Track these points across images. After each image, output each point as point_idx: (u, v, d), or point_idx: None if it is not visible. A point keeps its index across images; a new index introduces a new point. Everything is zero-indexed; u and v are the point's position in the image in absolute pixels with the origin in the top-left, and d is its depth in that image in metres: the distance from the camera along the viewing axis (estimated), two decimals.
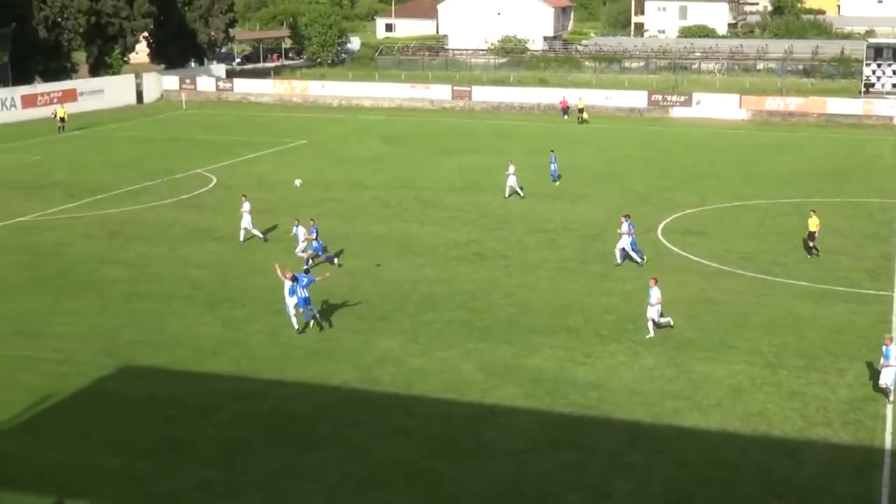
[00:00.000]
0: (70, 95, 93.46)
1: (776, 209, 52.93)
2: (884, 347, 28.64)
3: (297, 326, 33.96)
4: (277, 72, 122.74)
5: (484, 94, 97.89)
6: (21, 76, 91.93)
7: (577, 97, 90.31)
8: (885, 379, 28.40)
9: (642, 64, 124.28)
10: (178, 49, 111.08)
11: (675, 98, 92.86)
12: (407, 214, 51.68)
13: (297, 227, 42.84)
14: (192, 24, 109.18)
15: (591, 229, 48.21)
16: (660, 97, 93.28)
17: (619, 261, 41.99)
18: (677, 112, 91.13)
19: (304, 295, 33.56)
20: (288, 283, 33.77)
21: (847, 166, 65.89)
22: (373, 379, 30.40)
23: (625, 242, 41.95)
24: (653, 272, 40.69)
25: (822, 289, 39.03)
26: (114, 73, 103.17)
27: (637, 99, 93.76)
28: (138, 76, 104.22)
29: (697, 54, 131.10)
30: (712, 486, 24.20)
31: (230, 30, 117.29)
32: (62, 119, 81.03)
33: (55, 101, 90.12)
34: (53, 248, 45.15)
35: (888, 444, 26.35)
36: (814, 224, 43.04)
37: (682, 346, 33.01)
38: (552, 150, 61.43)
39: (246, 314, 36.21)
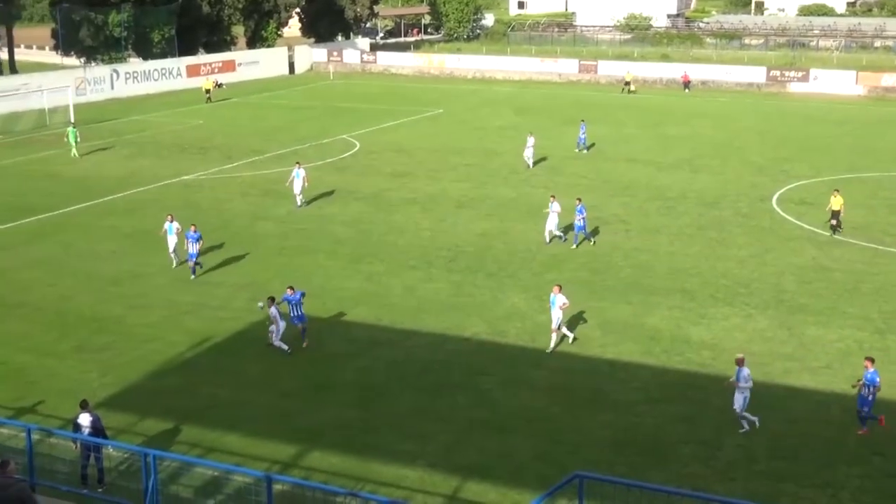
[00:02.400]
0: (229, 66, 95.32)
1: (889, 182, 51.24)
2: (736, 368, 24.21)
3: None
4: (417, 46, 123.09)
5: (609, 69, 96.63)
6: (186, 48, 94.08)
7: (626, 70, 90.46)
8: (736, 404, 24.11)
9: (762, 41, 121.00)
10: (326, 24, 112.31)
11: (792, 74, 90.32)
12: (534, 180, 51.49)
13: (169, 222, 36.76)
14: (340, 1, 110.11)
15: (708, 197, 47.38)
16: (778, 73, 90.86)
17: (547, 240, 39.48)
18: (794, 87, 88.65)
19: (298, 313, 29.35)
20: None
21: None
22: (500, 332, 30.52)
23: (552, 223, 39.26)
24: (766, 241, 40.01)
25: None
26: (268, 46, 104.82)
27: (756, 74, 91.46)
28: (290, 49, 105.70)
29: (816, 32, 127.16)
30: (818, 442, 23.74)
31: (374, 6, 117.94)
32: (207, 91, 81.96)
33: (216, 70, 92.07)
34: (213, 205, 46.29)
35: None
36: (837, 203, 40.39)
37: (794, 311, 32.33)
38: (582, 120, 60.53)
39: (384, 269, 36.65)
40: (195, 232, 35.04)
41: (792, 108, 78.54)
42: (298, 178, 45.17)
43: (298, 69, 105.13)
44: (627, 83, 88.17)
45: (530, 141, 54.51)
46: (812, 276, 35.78)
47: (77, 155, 57.24)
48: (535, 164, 54.39)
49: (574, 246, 38.88)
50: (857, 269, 36.43)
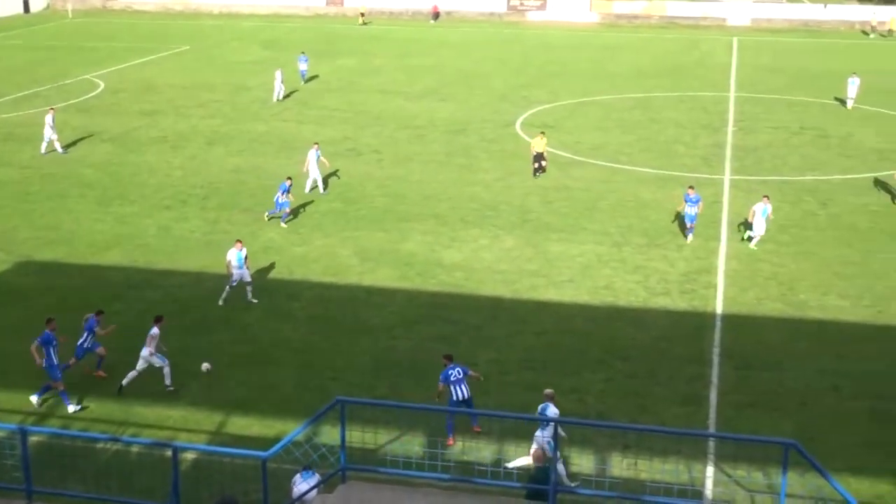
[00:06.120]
0: None
1: (621, 104, 53.60)
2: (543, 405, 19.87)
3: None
4: None
5: (355, 1, 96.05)
6: None
7: (362, 3, 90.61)
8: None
9: None
10: None
11: (531, 3, 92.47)
12: (286, 114, 50.89)
13: None
14: None
15: (455, 125, 48.23)
16: (518, 2, 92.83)
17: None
18: (533, 16, 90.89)
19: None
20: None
21: (684, 64, 66.80)
22: (258, 266, 30.21)
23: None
24: (511, 164, 41.14)
25: (663, 174, 39.88)
26: None
27: (496, 3, 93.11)
28: None
29: None
30: (566, 352, 24.84)
31: None
32: None
33: None
34: None
35: (719, 310, 27.38)
36: (540, 145, 39.35)
37: (539, 229, 33.54)
38: (303, 52, 60.33)
39: (137, 210, 35.51)
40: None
41: (531, 36, 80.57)
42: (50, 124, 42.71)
43: (34, 7, 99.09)
44: (362, 14, 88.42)
45: (278, 75, 53.85)
46: (554, 195, 37.15)
47: None
48: (285, 97, 53.90)
49: (283, 224, 34.01)
50: (595, 188, 38.08)
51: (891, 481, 19.51)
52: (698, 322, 26.69)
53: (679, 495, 17.72)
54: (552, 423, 18.74)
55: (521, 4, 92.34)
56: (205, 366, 23.38)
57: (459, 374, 20.73)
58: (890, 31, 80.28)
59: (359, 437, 17.53)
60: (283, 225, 33.63)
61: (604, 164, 41.36)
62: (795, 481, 16.77)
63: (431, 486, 16.13)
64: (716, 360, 24.54)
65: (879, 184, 38.09)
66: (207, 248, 31.67)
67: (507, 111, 51.20)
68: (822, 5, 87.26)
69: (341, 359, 24.35)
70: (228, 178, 39.30)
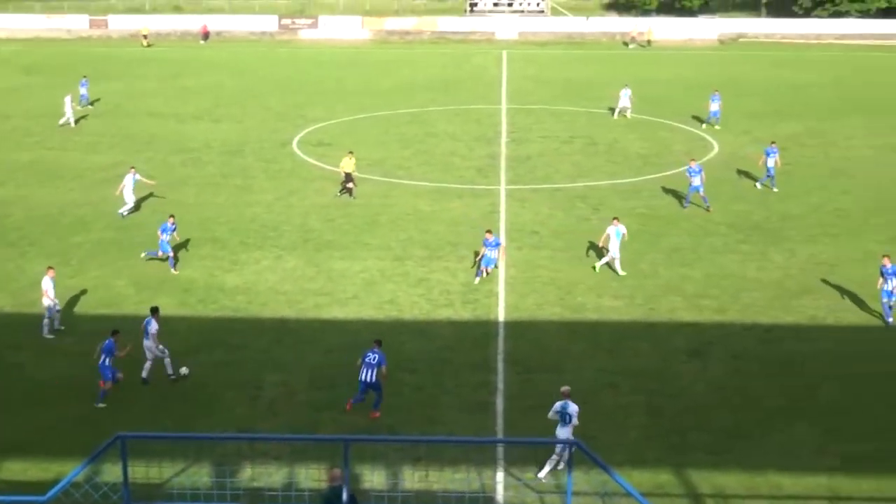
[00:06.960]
0: None
1: (398, 118, 54.24)
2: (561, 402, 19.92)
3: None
4: None
5: (121, 23, 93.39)
6: None
7: (143, 24, 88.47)
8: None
9: None
10: None
11: (303, 21, 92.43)
12: (50, 142, 48.88)
13: None
14: None
15: (231, 146, 47.58)
16: (289, 21, 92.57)
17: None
18: (305, 34, 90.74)
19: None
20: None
21: (457, 78, 68.17)
22: (28, 302, 28.89)
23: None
24: (290, 183, 40.99)
25: (440, 187, 40.58)
26: None
27: (267, 23, 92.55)
28: None
29: None
30: (353, 369, 24.64)
31: None
32: None
33: None
34: None
35: (501, 318, 28.07)
36: (350, 165, 38.85)
37: (321, 248, 33.48)
38: (84, 76, 58.61)
39: None
40: None
41: (305, 55, 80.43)
42: None
43: None
44: (145, 36, 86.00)
45: (67, 101, 51.92)
46: (335, 213, 37.18)
47: None
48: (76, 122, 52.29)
49: (174, 270, 31.48)
50: (374, 203, 38.35)
51: (669, 471, 20.46)
52: (482, 330, 27.27)
53: (471, 503, 18.09)
54: (571, 422, 19.54)
55: (293, 23, 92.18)
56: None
57: (374, 358, 22.34)
58: (648, 41, 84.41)
59: (143, 472, 17.01)
60: (173, 271, 31.24)
61: (382, 179, 41.71)
62: (581, 479, 17.39)
63: None
64: (500, 366, 25.13)
65: (667, 190, 39.98)
66: None
67: (283, 130, 50.92)
68: (585, 18, 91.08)
69: (122, 393, 23.52)
70: None
